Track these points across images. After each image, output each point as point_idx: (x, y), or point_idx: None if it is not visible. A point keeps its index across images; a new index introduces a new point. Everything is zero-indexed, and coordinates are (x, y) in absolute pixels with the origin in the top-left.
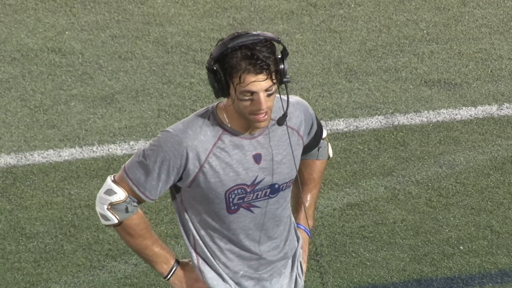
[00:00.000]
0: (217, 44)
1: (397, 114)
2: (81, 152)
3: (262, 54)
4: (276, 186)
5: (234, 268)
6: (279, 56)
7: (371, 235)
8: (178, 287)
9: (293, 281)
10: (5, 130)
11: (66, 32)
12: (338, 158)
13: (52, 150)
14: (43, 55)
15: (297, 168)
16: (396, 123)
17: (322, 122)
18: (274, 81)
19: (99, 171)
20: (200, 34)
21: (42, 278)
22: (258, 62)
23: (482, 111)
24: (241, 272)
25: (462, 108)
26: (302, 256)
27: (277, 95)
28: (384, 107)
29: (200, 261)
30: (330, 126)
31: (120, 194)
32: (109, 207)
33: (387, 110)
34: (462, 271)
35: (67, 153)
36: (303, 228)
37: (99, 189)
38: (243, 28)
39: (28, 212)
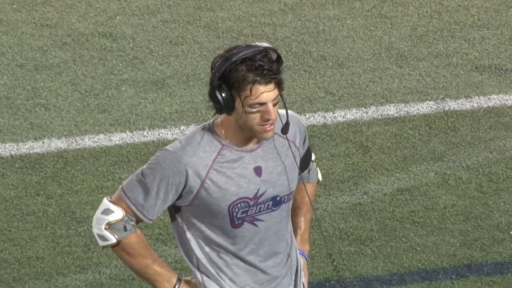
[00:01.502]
0: (215, 61)
1: (448, 100)
2: (131, 137)
3: (267, 64)
4: (278, 198)
5: (241, 283)
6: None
7: (421, 220)
8: None
9: None
10: (56, 114)
11: (117, 17)
12: (389, 143)
13: (102, 135)
14: (94, 40)
15: (297, 179)
16: (446, 108)
17: (373, 107)
18: (281, 91)
19: (149, 156)
20: (251, 19)
21: (93, 262)
22: (265, 73)
23: None
24: (247, 287)
25: None
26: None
27: None
28: (434, 93)
29: (205, 278)
30: (380, 112)
31: (118, 213)
32: (106, 226)
33: (438, 96)
34: None
35: (117, 138)
36: (301, 253)
37: None
38: (294, 13)
39: (79, 197)
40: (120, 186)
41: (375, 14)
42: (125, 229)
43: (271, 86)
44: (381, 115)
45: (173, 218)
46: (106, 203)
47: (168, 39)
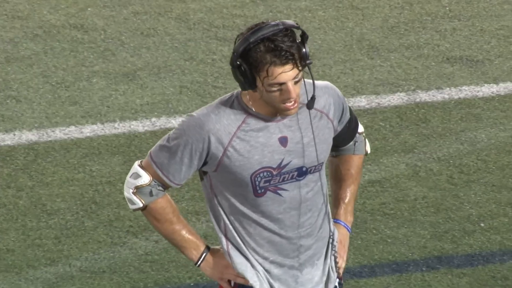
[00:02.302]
0: (237, 40)
1: (419, 91)
2: (102, 129)
3: (285, 44)
4: (304, 169)
5: (264, 253)
6: (299, 41)
7: (392, 212)
8: (208, 273)
9: (326, 274)
10: (27, 106)
11: (89, 9)
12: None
13: (73, 127)
14: (65, 32)
15: (326, 152)
16: (417, 100)
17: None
18: (300, 68)
19: (120, 148)
20: (222, 11)
21: (63, 254)
22: (282, 54)
23: (504, 88)
24: (271, 258)
25: (484, 85)
26: (339, 252)
27: (307, 80)
28: (406, 84)
29: (230, 246)
30: (352, 103)
31: (145, 178)
32: (134, 190)
33: (409, 87)
34: (483, 248)
35: (88, 130)
36: (343, 224)
37: (121, 165)
38: (266, 4)
39: (50, 189)
40: (149, 151)
41: (347, 6)
42: (151, 193)
43: (289, 66)
44: (352, 107)
45: (203, 183)
46: (135, 167)
47: (139, 31)
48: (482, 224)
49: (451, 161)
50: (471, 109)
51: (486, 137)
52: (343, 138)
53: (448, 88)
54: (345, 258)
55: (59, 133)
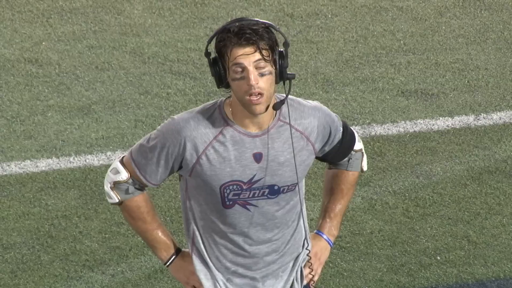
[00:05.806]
0: None
1: (374, 125)
2: (58, 163)
3: (252, 30)
4: (276, 187)
5: (227, 263)
6: (281, 50)
7: (348, 245)
8: (176, 276)
9: (289, 284)
10: None
11: (43, 43)
12: (315, 169)
13: (29, 161)
14: (20, 66)
15: (301, 173)
16: (373, 133)
17: None
18: (266, 58)
19: (76, 182)
20: (177, 45)
21: None
22: (246, 36)
23: (459, 122)
24: (233, 268)
25: (439, 119)
26: (313, 265)
27: (298, 99)
28: (361, 118)
29: (194, 251)
30: None
31: (123, 174)
32: (112, 185)
33: (364, 121)
34: (439, 281)
35: (44, 164)
36: (325, 237)
37: (76, 199)
38: None
39: (5, 223)
40: (130, 149)
41: (301, 39)
42: (127, 191)
43: (250, 49)
44: None
45: (180, 185)
46: (116, 163)
47: (94, 65)
48: (438, 257)
49: (407, 195)
50: (426, 143)
51: (441, 170)
52: (333, 157)
53: (403, 122)
54: (318, 271)
55: (14, 167)
